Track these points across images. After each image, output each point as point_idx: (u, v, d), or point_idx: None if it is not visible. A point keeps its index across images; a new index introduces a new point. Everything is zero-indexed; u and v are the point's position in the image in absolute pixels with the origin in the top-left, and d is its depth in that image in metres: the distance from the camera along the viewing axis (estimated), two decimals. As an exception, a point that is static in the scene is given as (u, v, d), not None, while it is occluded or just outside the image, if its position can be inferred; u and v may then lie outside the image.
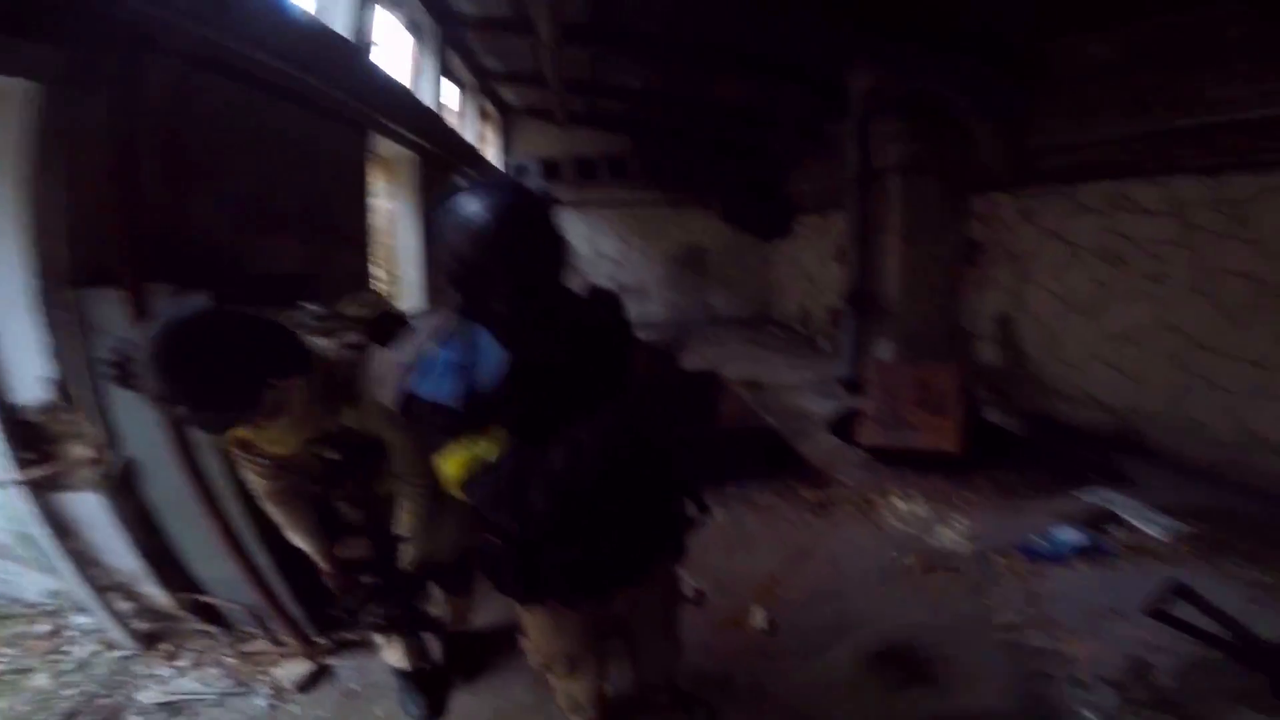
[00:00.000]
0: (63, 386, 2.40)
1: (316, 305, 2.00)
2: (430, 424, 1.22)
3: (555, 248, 1.25)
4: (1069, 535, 2.95)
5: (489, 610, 2.53)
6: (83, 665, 2.45)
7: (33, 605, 2.71)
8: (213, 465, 2.29)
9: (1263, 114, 3.24)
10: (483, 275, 1.17)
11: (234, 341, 1.47)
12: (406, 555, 1.92)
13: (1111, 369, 4.48)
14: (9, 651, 2.51)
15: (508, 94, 9.24)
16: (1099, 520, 3.18)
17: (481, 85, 8.52)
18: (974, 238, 5.81)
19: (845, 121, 5.92)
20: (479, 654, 2.42)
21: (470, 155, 7.94)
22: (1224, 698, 1.74)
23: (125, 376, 2.21)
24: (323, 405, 1.69)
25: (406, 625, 2.04)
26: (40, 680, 2.37)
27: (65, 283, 2.32)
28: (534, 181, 9.41)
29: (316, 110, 3.90)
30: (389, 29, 6.09)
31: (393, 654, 2.19)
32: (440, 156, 6.36)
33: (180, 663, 2.45)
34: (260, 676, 2.37)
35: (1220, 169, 3.67)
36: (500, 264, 1.16)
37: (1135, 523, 3.13)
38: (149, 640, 2.54)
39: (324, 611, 2.27)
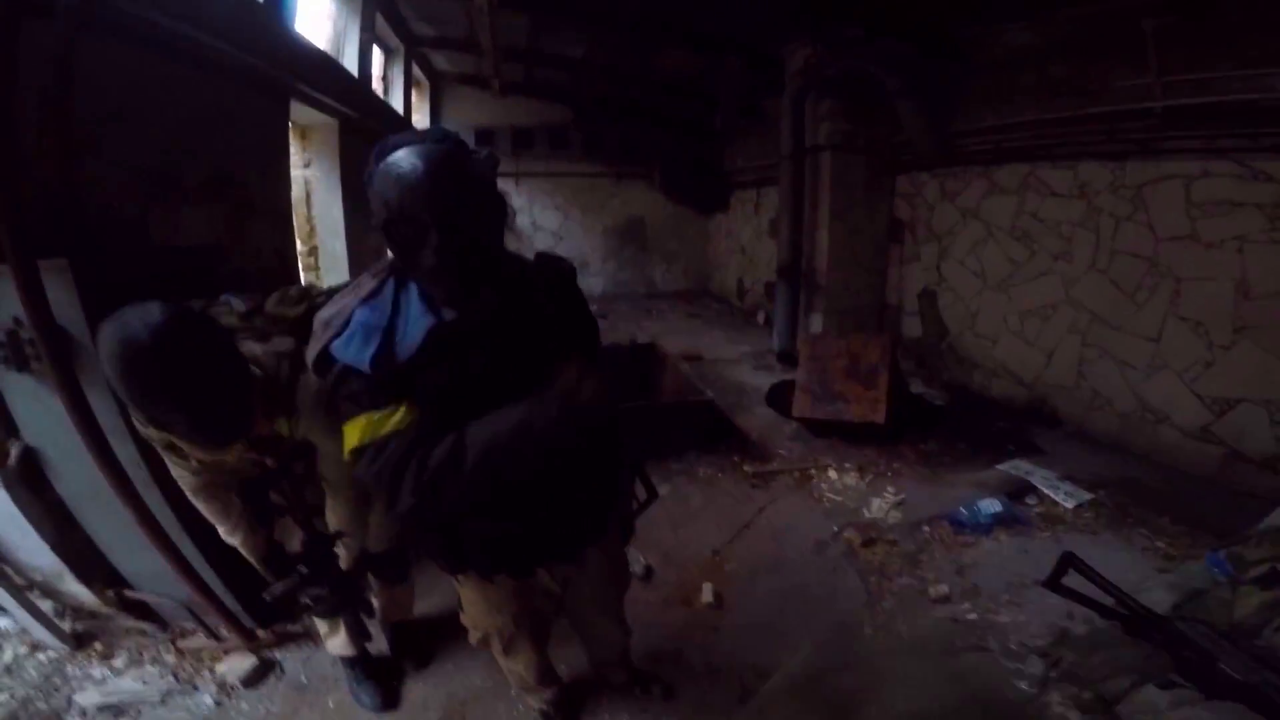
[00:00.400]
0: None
1: (240, 299, 1.86)
2: (340, 389, 1.18)
3: (489, 202, 1.19)
4: (990, 506, 3.16)
5: (438, 597, 2.52)
6: (11, 669, 2.32)
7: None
8: (127, 453, 2.13)
9: (1165, 104, 3.47)
10: (411, 223, 1.11)
11: (215, 344, 1.38)
12: (342, 551, 1.88)
13: (1024, 343, 4.79)
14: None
15: (439, 61, 8.83)
16: (1017, 490, 3.41)
17: (410, 51, 8.13)
18: (900, 216, 6.04)
19: (781, 99, 6.00)
20: (428, 642, 2.41)
21: (397, 122, 7.59)
22: (1129, 673, 1.84)
23: (19, 359, 2.04)
24: (259, 412, 1.59)
25: (339, 609, 1.97)
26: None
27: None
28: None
29: (227, 75, 3.64)
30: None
31: (336, 642, 2.16)
32: (364, 123, 6.08)
33: (116, 662, 2.35)
34: (203, 673, 2.29)
35: (1124, 155, 3.93)
36: (429, 210, 1.09)
37: (1048, 492, 3.38)
38: (79, 640, 2.43)
39: (260, 602, 2.20)
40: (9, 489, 2.21)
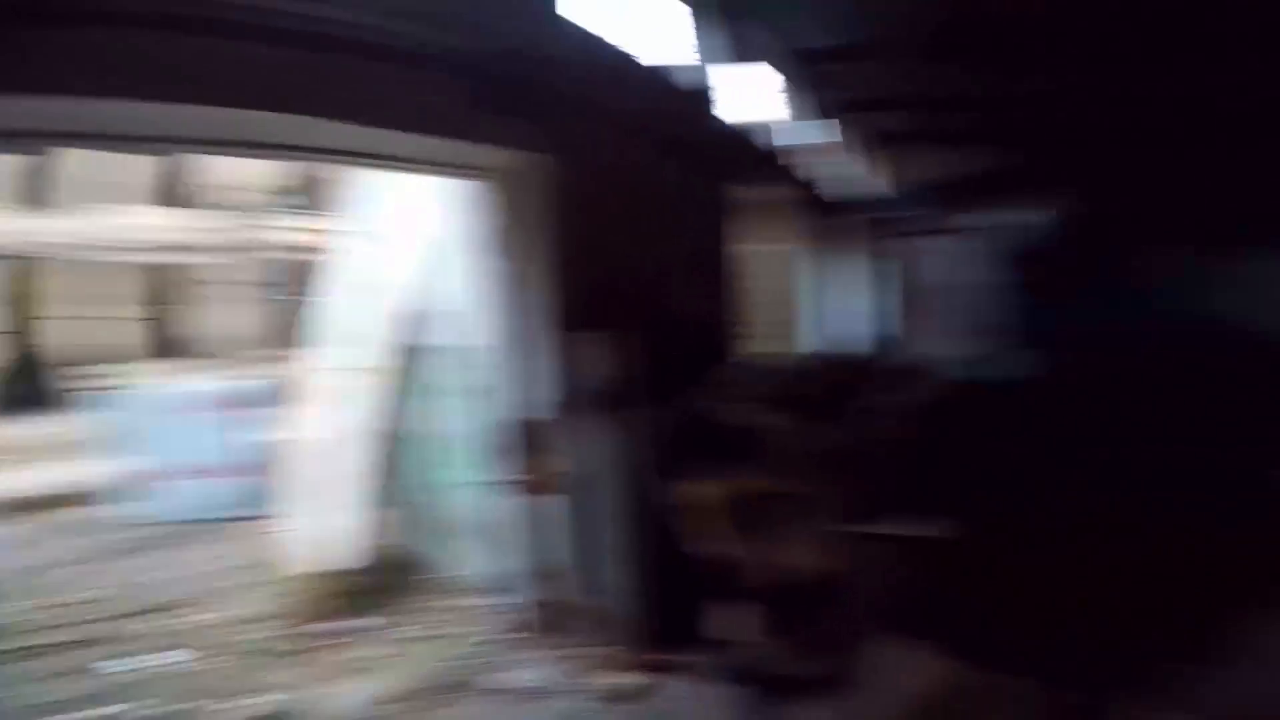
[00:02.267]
0: (556, 409, 3.01)
1: (759, 379, 2.34)
2: None
3: None
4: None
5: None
6: (479, 641, 3.07)
7: (468, 582, 3.50)
8: (636, 491, 2.77)
9: None
10: None
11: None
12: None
13: None
14: (438, 617, 3.35)
15: (886, 121, 8.53)
16: None
17: (853, 116, 8.08)
18: None
19: None
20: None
21: (848, 189, 7.61)
22: None
23: (590, 406, 2.78)
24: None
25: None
26: (446, 648, 3.08)
27: (562, 328, 2.99)
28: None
29: (681, 157, 4.10)
30: (747, 75, 6.06)
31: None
32: (813, 197, 6.22)
33: (541, 653, 2.90)
34: (596, 679, 2.66)
35: None
36: None
37: None
38: (531, 628, 3.05)
39: (680, 629, 2.63)
40: (559, 503, 2.98)
